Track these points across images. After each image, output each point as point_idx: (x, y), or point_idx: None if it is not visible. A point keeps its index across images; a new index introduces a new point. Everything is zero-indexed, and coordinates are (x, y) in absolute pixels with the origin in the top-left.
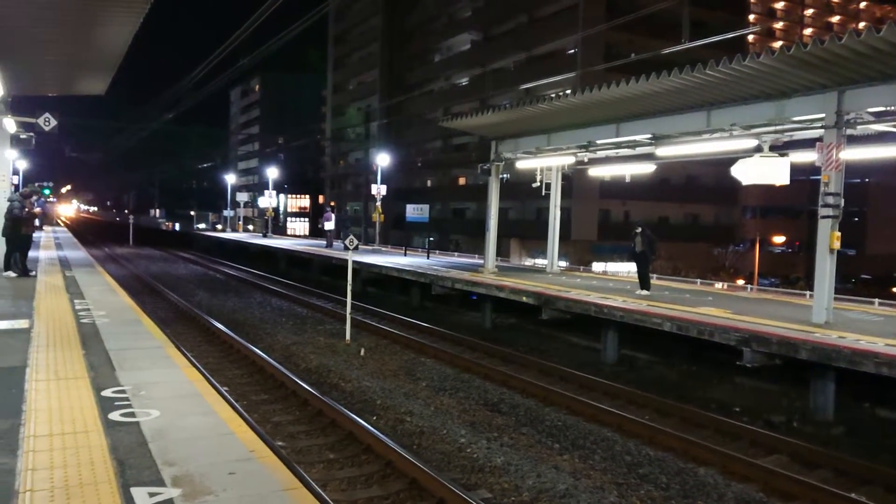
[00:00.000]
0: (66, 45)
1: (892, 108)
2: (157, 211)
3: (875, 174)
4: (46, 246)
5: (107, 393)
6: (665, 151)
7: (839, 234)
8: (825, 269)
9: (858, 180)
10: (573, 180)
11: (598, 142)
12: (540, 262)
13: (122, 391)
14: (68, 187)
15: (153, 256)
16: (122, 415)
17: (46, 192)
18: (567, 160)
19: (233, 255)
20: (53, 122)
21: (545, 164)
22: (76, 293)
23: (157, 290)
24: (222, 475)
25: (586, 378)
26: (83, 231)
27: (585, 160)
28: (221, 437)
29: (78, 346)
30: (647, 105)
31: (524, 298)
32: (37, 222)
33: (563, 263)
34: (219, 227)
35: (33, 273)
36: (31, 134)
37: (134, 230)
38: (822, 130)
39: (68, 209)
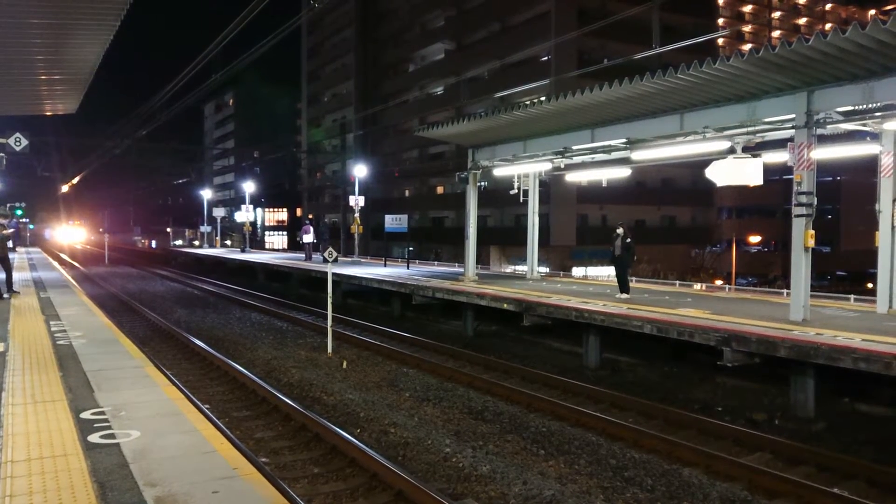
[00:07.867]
0: (37, 63)
1: (860, 106)
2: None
3: (847, 172)
4: (20, 267)
5: (86, 415)
6: (640, 155)
7: (813, 232)
8: (801, 267)
9: (830, 178)
10: (550, 186)
11: (574, 147)
12: (520, 268)
13: (102, 412)
14: (65, 188)
15: (130, 275)
16: (102, 436)
17: (18, 212)
18: (544, 166)
19: (211, 271)
20: (25, 142)
21: (522, 170)
22: (52, 314)
23: (134, 309)
24: (206, 494)
25: (569, 383)
26: (56, 252)
27: (562, 166)
28: (204, 456)
29: (55, 368)
30: (620, 110)
31: (505, 305)
32: (10, 244)
33: (544, 269)
34: (196, 243)
35: (6, 295)
36: (2, 154)
37: (109, 249)
38: (794, 131)
39: (70, 233)
